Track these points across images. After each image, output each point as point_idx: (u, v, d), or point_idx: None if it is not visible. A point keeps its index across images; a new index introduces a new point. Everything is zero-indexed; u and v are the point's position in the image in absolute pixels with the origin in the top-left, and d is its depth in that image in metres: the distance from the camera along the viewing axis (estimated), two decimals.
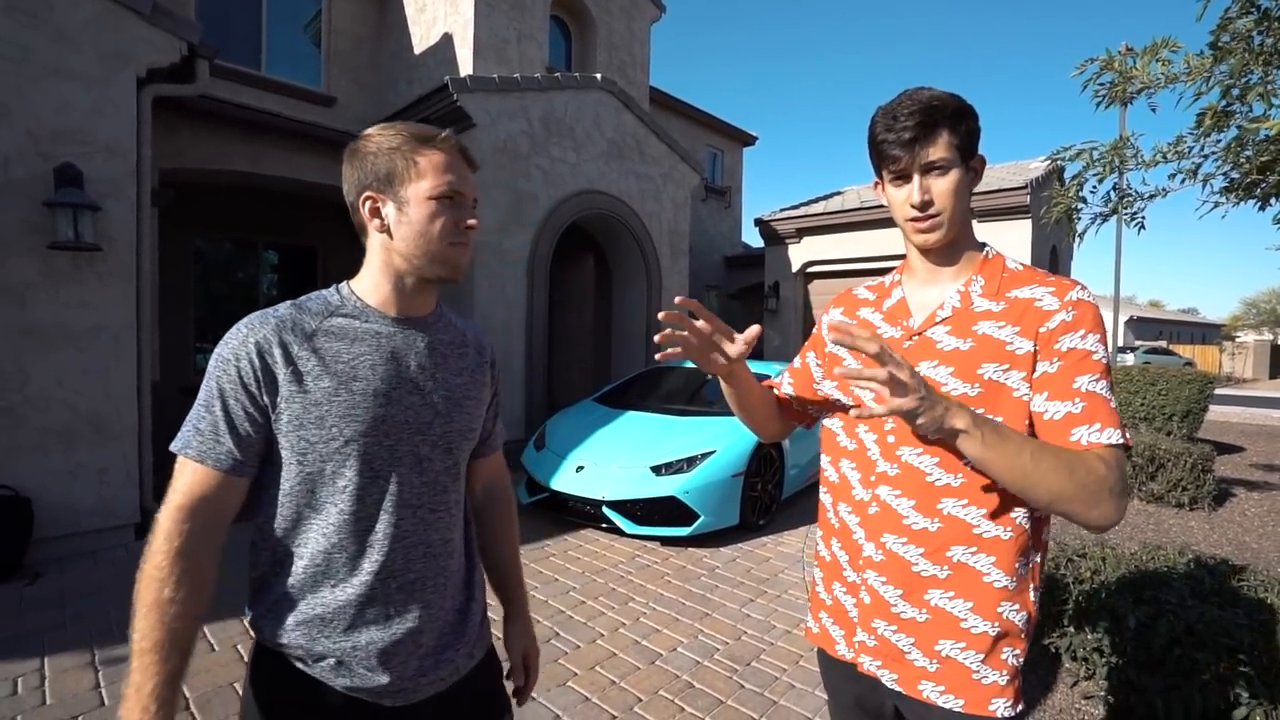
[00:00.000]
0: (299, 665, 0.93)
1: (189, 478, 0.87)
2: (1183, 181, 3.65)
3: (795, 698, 2.49)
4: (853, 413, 0.85)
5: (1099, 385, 0.93)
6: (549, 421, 5.33)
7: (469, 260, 1.01)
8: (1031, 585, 1.00)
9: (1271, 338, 38.18)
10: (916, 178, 0.98)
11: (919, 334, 1.04)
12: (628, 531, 4.13)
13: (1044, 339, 0.95)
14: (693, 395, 5.71)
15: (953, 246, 1.04)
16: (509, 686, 1.20)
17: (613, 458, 4.39)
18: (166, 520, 0.85)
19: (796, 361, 1.33)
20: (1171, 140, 3.53)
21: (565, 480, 4.36)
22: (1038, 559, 1.01)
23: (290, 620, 0.92)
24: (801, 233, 10.22)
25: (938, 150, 0.97)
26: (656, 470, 4.17)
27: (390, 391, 0.95)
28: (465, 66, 7.19)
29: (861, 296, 1.22)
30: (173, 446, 0.89)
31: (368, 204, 0.96)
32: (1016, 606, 0.98)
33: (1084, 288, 0.98)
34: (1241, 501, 5.71)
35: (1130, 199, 3.78)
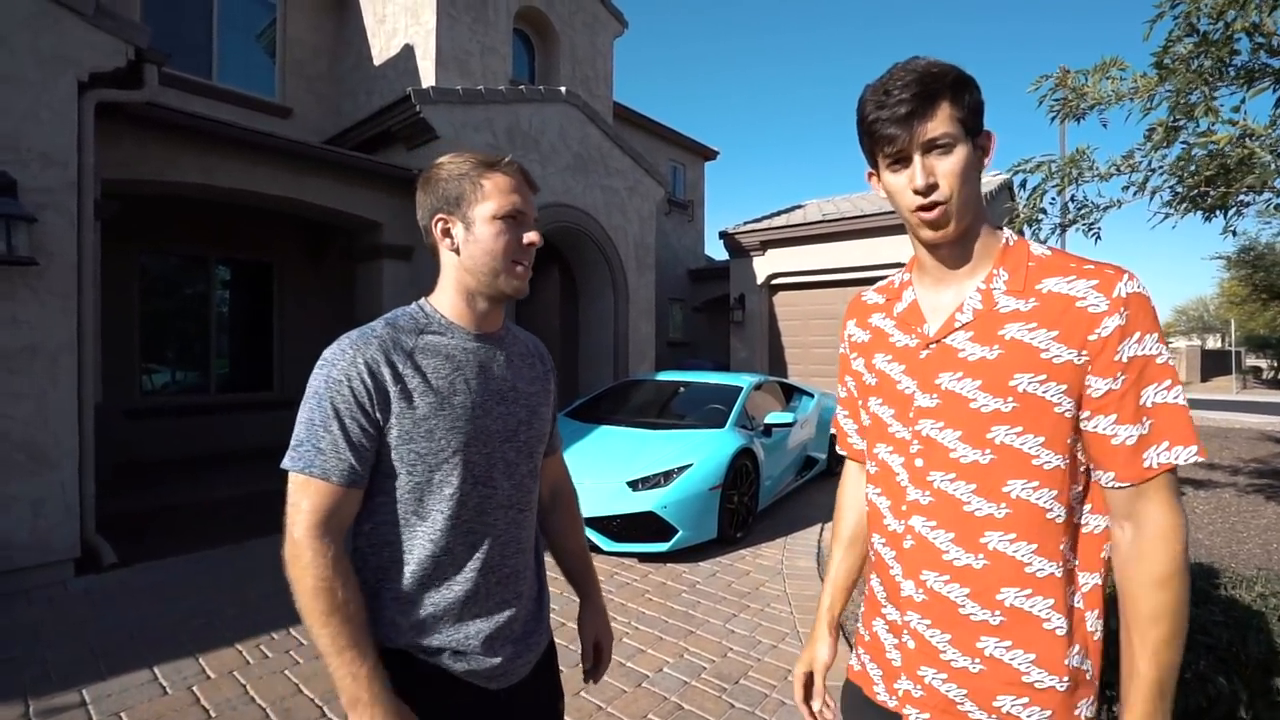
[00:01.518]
0: (420, 657, 1.00)
1: (316, 495, 0.92)
2: (1135, 194, 3.82)
3: (786, 714, 2.43)
4: None
5: (1170, 394, 0.81)
6: None
7: (528, 280, 1.07)
8: (1090, 614, 0.88)
9: (1200, 343, 40.50)
10: (917, 158, 0.85)
11: (937, 341, 0.92)
12: (605, 549, 4.03)
13: (1097, 349, 0.81)
14: (665, 408, 5.67)
15: (965, 238, 0.91)
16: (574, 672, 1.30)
17: (587, 473, 4.30)
18: (308, 537, 0.90)
19: (841, 391, 1.18)
20: (1123, 154, 3.69)
21: None
22: (1096, 580, 0.89)
23: (404, 622, 0.98)
24: (765, 245, 10.36)
25: (939, 124, 0.84)
26: (633, 485, 4.10)
27: (483, 403, 1.04)
28: (427, 78, 7.08)
29: (871, 302, 1.09)
30: (293, 466, 0.93)
31: (439, 225, 1.03)
32: (1081, 650, 0.86)
33: (1132, 276, 0.84)
34: (1190, 499, 5.95)
35: (1087, 210, 3.93)
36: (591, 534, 4.05)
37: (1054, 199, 3.95)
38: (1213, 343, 45.91)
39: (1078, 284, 0.84)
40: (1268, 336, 29.46)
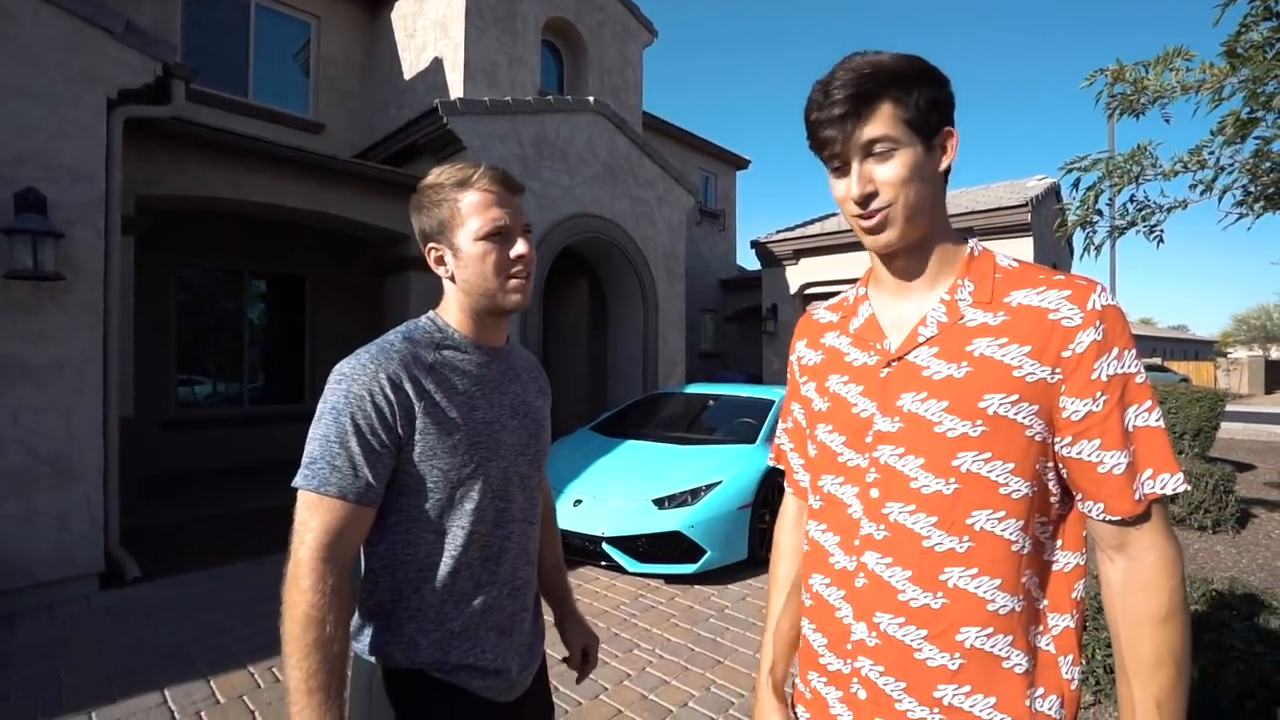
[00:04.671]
0: (437, 676, 0.97)
1: (328, 514, 0.88)
2: (1202, 193, 3.52)
3: None
4: None
5: (1150, 417, 0.75)
6: None
7: (528, 293, 1.03)
8: (1063, 659, 0.79)
9: (1263, 353, 38.38)
10: (855, 164, 0.79)
11: (899, 358, 0.83)
12: (629, 570, 3.87)
13: (1072, 366, 0.75)
14: (694, 422, 5.49)
15: (920, 248, 0.83)
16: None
17: (612, 490, 4.15)
18: (313, 560, 0.86)
19: (787, 420, 1.08)
20: (1191, 149, 3.40)
21: (562, 515, 4.10)
22: (1069, 623, 0.80)
23: (424, 641, 0.96)
24: (799, 254, 10.12)
25: (877, 126, 0.76)
26: (659, 503, 3.93)
27: (500, 417, 1.04)
28: (456, 90, 7.10)
29: (824, 321, 0.99)
30: (305, 485, 0.89)
31: (432, 254, 1.03)
32: (1041, 692, 0.78)
33: (1104, 288, 0.78)
34: (1264, 523, 5.50)
35: (1149, 211, 3.64)
36: (616, 554, 3.89)
37: (1110, 200, 3.67)
38: (1276, 353, 43.51)
39: (1049, 295, 0.78)
40: None
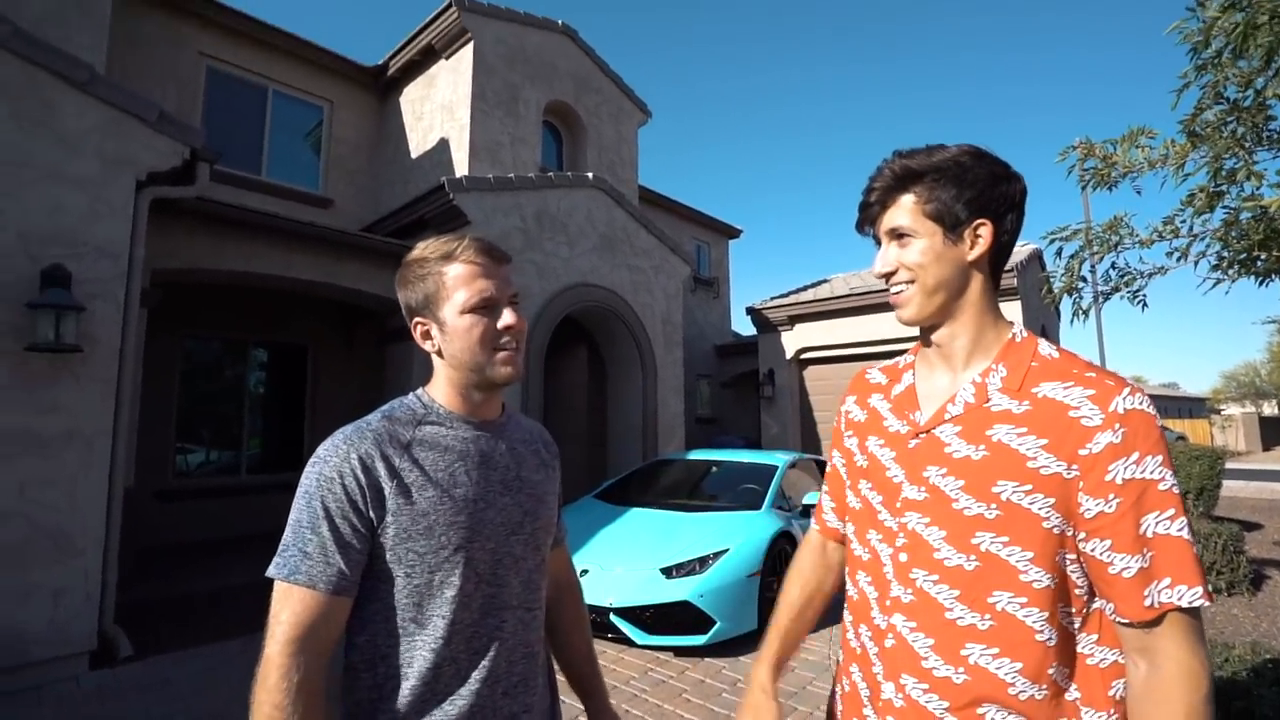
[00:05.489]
0: None
1: (298, 605, 0.83)
2: (1179, 260, 3.70)
3: None
4: None
5: (1173, 525, 0.73)
6: None
7: (519, 365, 1.00)
8: None
9: (1256, 410, 38.62)
10: (883, 245, 0.92)
11: (926, 431, 0.88)
12: (638, 642, 3.77)
13: (1088, 465, 0.75)
14: (698, 489, 5.47)
15: (948, 327, 0.89)
16: None
17: (618, 559, 4.09)
18: (280, 655, 0.81)
19: (828, 466, 1.15)
20: (1165, 219, 3.60)
21: None
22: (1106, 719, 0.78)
23: None
24: (794, 320, 10.33)
25: (897, 216, 0.88)
26: (667, 572, 3.87)
27: (486, 495, 0.97)
28: (461, 168, 7.43)
29: (874, 381, 1.06)
30: (276, 574, 0.85)
31: (419, 329, 1.00)
32: None
33: (1134, 390, 0.77)
34: (1275, 585, 5.43)
35: (1131, 277, 3.81)
36: (623, 625, 3.80)
37: (1091, 267, 3.84)
38: (1269, 409, 43.80)
39: (1074, 391, 0.79)
40: None
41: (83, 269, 3.48)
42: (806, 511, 4.86)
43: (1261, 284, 3.54)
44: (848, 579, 1.00)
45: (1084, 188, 3.99)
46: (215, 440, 7.22)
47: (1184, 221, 3.62)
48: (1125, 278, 3.79)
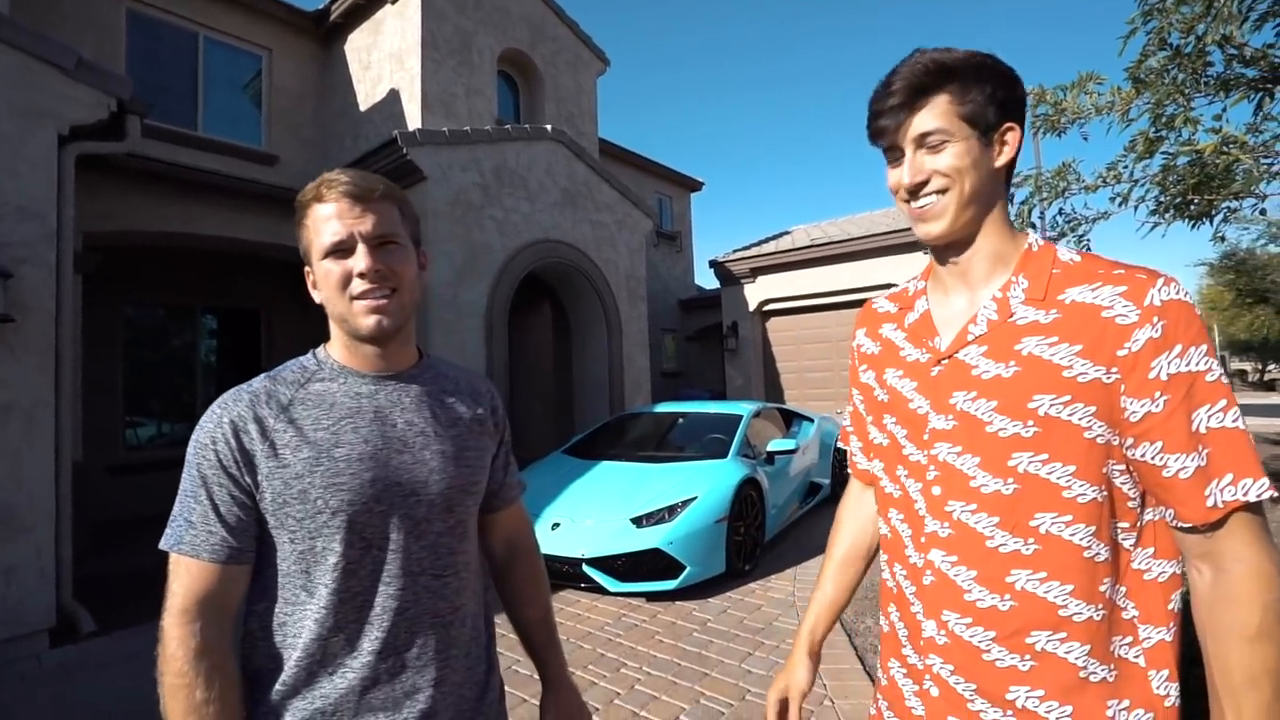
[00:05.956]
0: None
1: (186, 576, 0.81)
2: (1120, 204, 3.84)
3: None
4: None
5: (1227, 418, 0.69)
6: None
7: (390, 312, 0.89)
8: (1156, 673, 0.75)
9: None
10: (909, 153, 0.81)
11: (949, 357, 0.83)
12: (611, 590, 3.88)
13: (1128, 366, 0.71)
14: (665, 440, 5.56)
15: (973, 242, 0.83)
16: None
17: (589, 512, 4.17)
18: (173, 626, 0.80)
19: (849, 405, 1.08)
20: (1108, 165, 3.72)
21: (541, 539, 4.08)
22: (1164, 636, 0.75)
23: (289, 718, 0.84)
24: (756, 272, 10.39)
25: (930, 118, 0.78)
26: (637, 522, 3.97)
27: (377, 454, 0.88)
28: (413, 121, 7.13)
29: (883, 311, 1.00)
30: (164, 544, 0.83)
31: (309, 279, 0.94)
32: (1126, 704, 0.74)
33: (1169, 280, 0.72)
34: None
35: (1077, 222, 3.94)
36: (596, 574, 3.90)
37: (1041, 213, 3.97)
38: None
39: (1104, 291, 0.74)
40: (1250, 340, 29.79)
41: (5, 231, 3.26)
42: (771, 458, 5.00)
43: (1194, 226, 3.71)
44: (879, 517, 0.96)
45: (1035, 134, 4.08)
46: (166, 412, 6.99)
47: (1126, 167, 3.75)
48: (1071, 223, 3.93)
